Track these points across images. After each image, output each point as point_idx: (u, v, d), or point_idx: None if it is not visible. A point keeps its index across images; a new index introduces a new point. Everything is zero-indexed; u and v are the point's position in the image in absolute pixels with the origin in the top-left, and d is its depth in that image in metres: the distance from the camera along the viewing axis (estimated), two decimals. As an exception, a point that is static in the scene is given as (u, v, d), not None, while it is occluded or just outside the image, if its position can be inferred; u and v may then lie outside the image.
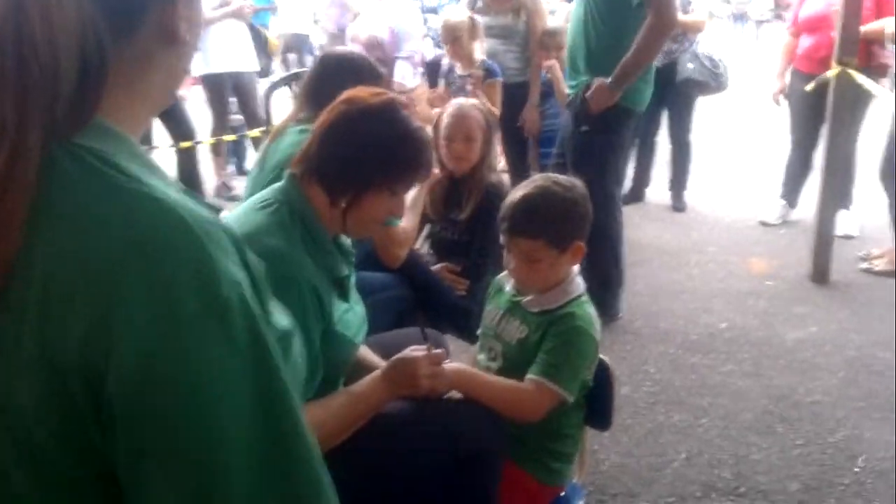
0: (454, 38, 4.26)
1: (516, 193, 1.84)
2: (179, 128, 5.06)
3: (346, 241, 1.73)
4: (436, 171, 2.66)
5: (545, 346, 1.77)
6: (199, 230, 0.67)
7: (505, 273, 1.95)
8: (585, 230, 1.85)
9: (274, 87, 4.84)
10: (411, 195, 2.62)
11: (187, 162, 5.18)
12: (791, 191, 5.18)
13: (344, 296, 1.65)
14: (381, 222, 1.65)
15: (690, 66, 5.01)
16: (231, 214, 1.63)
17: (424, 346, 1.68)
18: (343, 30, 6.01)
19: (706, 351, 3.43)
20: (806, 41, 4.84)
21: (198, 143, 5.06)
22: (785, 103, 5.12)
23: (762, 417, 2.91)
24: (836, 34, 4.24)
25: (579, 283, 1.88)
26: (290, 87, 4.85)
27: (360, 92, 1.63)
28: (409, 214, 2.57)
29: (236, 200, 5.50)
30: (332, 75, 2.42)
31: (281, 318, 0.86)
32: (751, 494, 2.49)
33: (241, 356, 0.66)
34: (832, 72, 4.00)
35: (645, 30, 3.19)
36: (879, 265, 4.29)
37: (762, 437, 2.79)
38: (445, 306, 2.70)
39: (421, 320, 2.63)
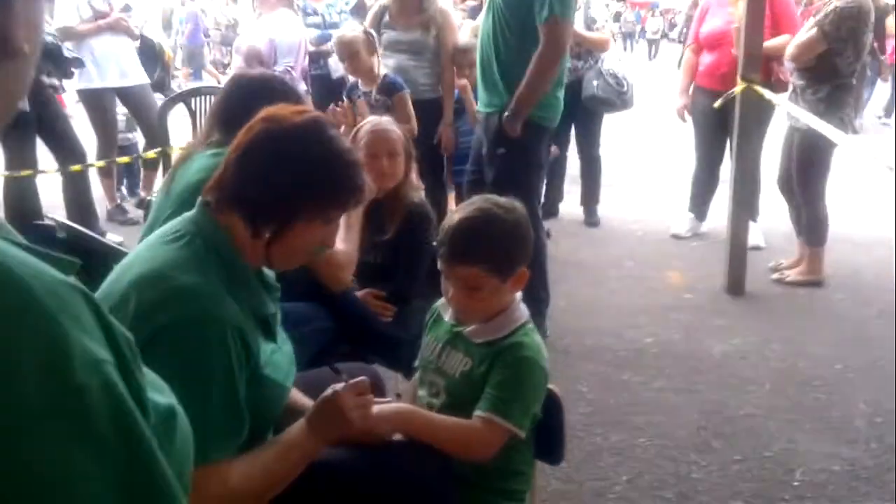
0: (351, 53, 4.10)
1: (454, 216, 1.70)
2: (65, 150, 4.67)
3: (270, 274, 1.54)
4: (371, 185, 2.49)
5: (493, 379, 1.63)
6: (45, 298, 0.54)
7: (442, 300, 1.81)
8: (529, 255, 1.73)
9: (169, 104, 4.54)
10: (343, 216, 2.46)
11: (77, 186, 4.78)
12: (699, 204, 5.26)
13: (270, 335, 1.47)
14: (311, 253, 1.47)
15: (595, 83, 5.03)
16: (136, 249, 1.42)
17: (342, 382, 1.50)
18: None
19: (636, 367, 3.38)
20: (707, 58, 4.94)
21: (87, 165, 4.68)
22: (690, 119, 5.21)
23: (698, 433, 2.86)
24: (736, 51, 4.37)
25: (524, 310, 1.75)
26: (186, 104, 4.56)
27: (281, 110, 1.45)
28: (349, 234, 2.41)
29: (134, 224, 5.16)
30: (245, 97, 2.22)
31: (159, 395, 0.71)
32: (695, 516, 2.42)
33: (106, 456, 0.55)
34: (738, 88, 4.07)
35: (536, 59, 3.16)
36: (790, 275, 4.37)
37: (701, 454, 2.73)
38: (373, 336, 2.52)
39: (338, 356, 2.45)
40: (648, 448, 2.76)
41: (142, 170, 5.66)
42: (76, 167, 4.63)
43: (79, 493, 0.54)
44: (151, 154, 4.91)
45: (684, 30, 14.36)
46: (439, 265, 1.70)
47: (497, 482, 1.70)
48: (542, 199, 5.50)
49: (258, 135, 1.39)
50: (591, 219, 5.58)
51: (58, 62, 4.41)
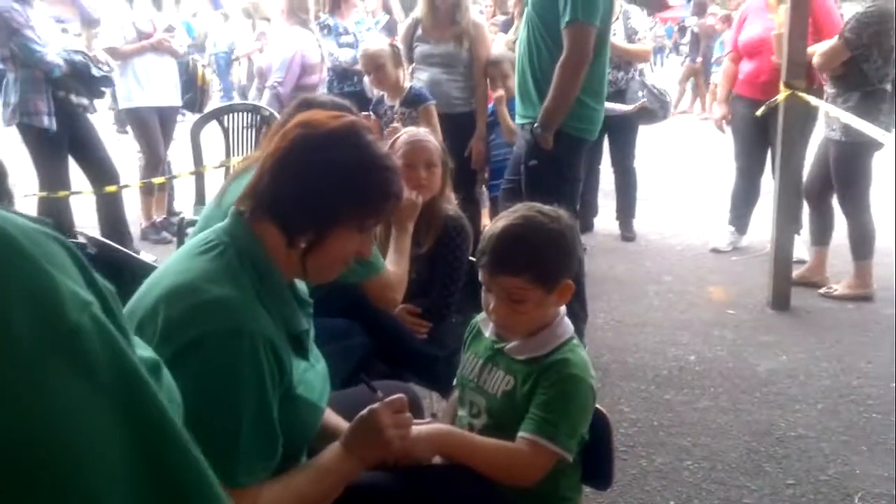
0: (376, 66, 4.07)
1: (497, 224, 1.61)
2: (96, 168, 4.66)
3: (303, 288, 1.47)
4: (412, 196, 2.43)
5: (537, 399, 1.54)
6: (29, 247, 0.55)
7: (483, 315, 1.72)
8: (574, 266, 1.64)
9: (201, 122, 4.52)
10: (394, 235, 2.41)
11: (109, 206, 4.77)
12: (740, 217, 5.13)
13: (303, 353, 1.39)
14: (347, 264, 1.39)
15: (640, 94, 4.93)
16: (168, 260, 1.36)
17: (378, 401, 1.41)
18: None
19: (679, 386, 3.25)
20: (746, 66, 4.82)
21: (123, 186, 4.68)
22: (712, 129, 5.10)
23: (748, 456, 2.72)
24: (777, 58, 4.28)
25: (568, 325, 1.66)
26: (219, 122, 4.54)
27: (317, 115, 1.38)
28: (400, 256, 2.37)
29: (168, 244, 5.15)
30: None
31: (142, 350, 0.71)
32: (748, 544, 2.29)
33: (105, 390, 0.56)
34: (781, 95, 3.95)
35: (560, 65, 3.07)
36: (838, 289, 4.21)
37: (751, 478, 2.60)
38: (408, 353, 2.44)
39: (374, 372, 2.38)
40: (696, 471, 2.64)
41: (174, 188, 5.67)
42: (111, 188, 4.63)
43: (83, 428, 0.54)
44: (161, 179, 4.96)
45: (689, 45, 14.07)
46: (480, 276, 1.62)
47: (543, 508, 1.61)
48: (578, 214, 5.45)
49: (293, 141, 1.32)
50: (627, 233, 5.47)
51: (87, 82, 4.42)
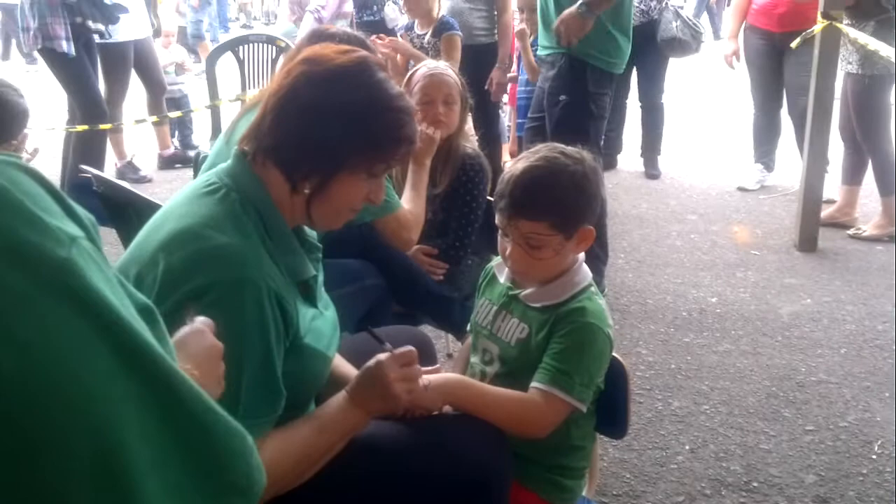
0: None
1: (517, 165, 1.54)
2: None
3: (311, 233, 1.42)
4: (429, 131, 2.35)
5: (552, 348, 1.49)
6: (5, 184, 0.54)
7: (498, 260, 1.67)
8: (596, 212, 1.57)
9: (217, 52, 4.42)
10: (410, 173, 2.33)
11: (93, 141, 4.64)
12: (764, 153, 5.00)
13: (311, 300, 1.35)
14: (356, 210, 1.34)
15: (674, 24, 4.76)
16: (172, 201, 1.31)
17: (385, 351, 1.37)
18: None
19: (699, 329, 3.20)
20: None
21: (141, 121, 4.60)
22: (738, 65, 4.94)
23: (767, 401, 2.69)
24: None
25: (586, 272, 1.61)
26: (234, 52, 4.44)
27: (325, 49, 1.30)
28: (416, 193, 2.30)
29: (148, 182, 5.05)
30: None
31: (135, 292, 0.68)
32: (764, 489, 2.27)
33: (106, 328, 0.55)
34: (818, 26, 3.77)
35: None
36: (867, 230, 4.11)
37: (769, 423, 2.57)
38: (422, 295, 2.41)
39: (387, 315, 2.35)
40: (713, 416, 2.61)
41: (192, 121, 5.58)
42: (105, 126, 4.51)
43: (83, 366, 0.54)
44: (178, 113, 4.79)
45: None
46: (497, 219, 1.56)
47: (554, 458, 1.58)
48: (602, 151, 5.33)
49: (298, 78, 1.25)
50: (651, 171, 5.35)
51: (101, 8, 4.33)
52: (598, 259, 3.38)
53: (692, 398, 2.71)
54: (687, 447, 2.46)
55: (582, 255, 1.62)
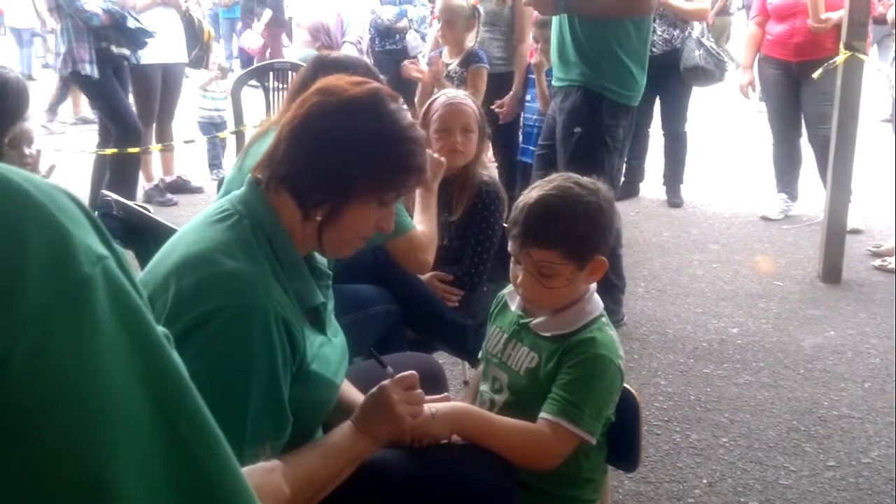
0: (449, 20, 3.98)
1: (531, 193, 1.54)
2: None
3: (322, 260, 1.43)
4: (441, 159, 2.36)
5: (561, 378, 1.48)
6: (42, 199, 0.54)
7: (510, 288, 1.66)
8: (608, 243, 1.56)
9: (243, 79, 4.50)
10: (419, 196, 2.33)
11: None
12: (787, 183, 4.96)
13: (320, 327, 1.36)
14: (367, 238, 1.35)
15: (697, 52, 4.75)
16: (183, 229, 1.33)
17: (389, 375, 1.37)
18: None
19: (719, 360, 3.16)
20: (777, 28, 4.70)
21: (146, 149, 4.66)
22: (754, 95, 4.94)
23: (787, 435, 2.64)
24: (812, 21, 4.32)
25: (597, 302, 1.60)
26: (259, 80, 4.51)
27: (339, 81, 1.32)
28: (427, 216, 2.29)
29: (172, 206, 5.12)
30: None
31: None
32: (783, 526, 2.23)
33: (114, 346, 0.54)
34: (840, 57, 3.76)
35: None
36: (893, 262, 4.04)
37: (790, 458, 2.52)
38: (437, 321, 2.40)
39: (402, 339, 2.35)
40: (732, 449, 2.57)
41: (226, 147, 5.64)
42: (130, 149, 4.59)
43: (95, 382, 0.53)
44: (157, 147, 4.84)
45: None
46: (510, 247, 1.56)
47: (564, 490, 1.56)
48: (622, 179, 5.32)
49: (311, 108, 1.27)
50: (674, 199, 5.32)
51: (126, 33, 4.44)
52: (615, 287, 3.36)
53: (711, 431, 2.67)
54: (705, 481, 2.42)
55: (594, 286, 1.61)
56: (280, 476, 0.95)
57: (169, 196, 5.24)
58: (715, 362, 3.14)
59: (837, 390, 2.93)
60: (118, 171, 4.63)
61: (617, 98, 3.10)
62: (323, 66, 2.25)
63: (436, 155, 2.34)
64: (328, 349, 1.35)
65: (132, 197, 4.67)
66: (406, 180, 1.30)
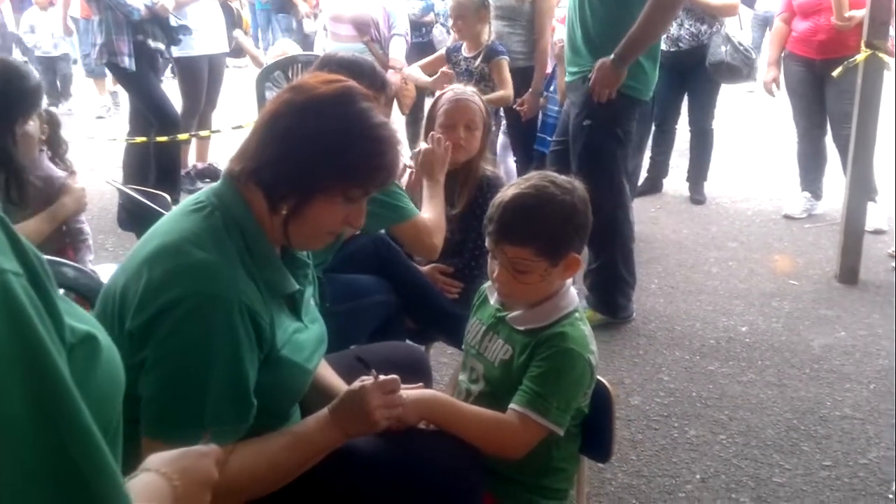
0: (459, 14, 4.02)
1: (507, 192, 1.59)
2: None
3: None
4: (447, 143, 2.41)
5: (531, 371, 1.53)
6: None
7: (490, 282, 1.71)
8: (583, 241, 1.60)
9: (266, 72, 4.58)
10: (426, 186, 2.40)
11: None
12: (811, 182, 4.90)
13: (296, 313, 1.42)
14: (335, 233, 1.40)
15: (723, 48, 4.70)
16: (161, 220, 1.39)
17: (371, 376, 1.42)
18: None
19: (725, 358, 3.16)
20: (801, 25, 4.65)
21: (173, 138, 4.78)
22: (777, 93, 4.87)
23: (786, 434, 2.65)
24: (836, 18, 4.27)
25: (573, 297, 1.63)
26: (283, 72, 4.59)
27: (312, 79, 1.37)
28: (433, 203, 2.35)
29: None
30: None
31: (77, 322, 0.72)
32: (772, 524, 2.24)
33: (4, 357, 0.58)
34: (861, 55, 3.71)
35: (652, 1, 2.93)
36: (912, 263, 3.99)
37: (786, 456, 2.53)
38: (435, 312, 2.45)
39: (401, 328, 2.41)
40: (728, 446, 2.58)
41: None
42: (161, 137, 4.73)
43: None
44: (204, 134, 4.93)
45: None
46: (486, 243, 1.61)
47: (535, 478, 1.61)
48: (645, 174, 5.30)
49: (280, 105, 1.33)
50: (696, 196, 5.29)
51: (165, 29, 4.55)
52: (625, 283, 3.38)
53: (709, 427, 2.69)
54: (698, 476, 2.44)
55: (569, 281, 1.65)
56: (212, 462, 0.99)
57: (199, 184, 5.37)
58: (720, 360, 3.15)
59: (842, 391, 2.91)
60: (161, 160, 4.80)
61: (629, 92, 3.10)
62: (329, 64, 2.32)
63: (440, 147, 2.40)
64: (302, 335, 1.41)
65: (176, 183, 4.84)
66: (372, 178, 1.34)
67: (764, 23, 8.80)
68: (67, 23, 8.34)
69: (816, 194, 4.90)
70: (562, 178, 1.62)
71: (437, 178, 2.42)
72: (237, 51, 5.40)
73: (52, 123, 2.58)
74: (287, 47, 5.32)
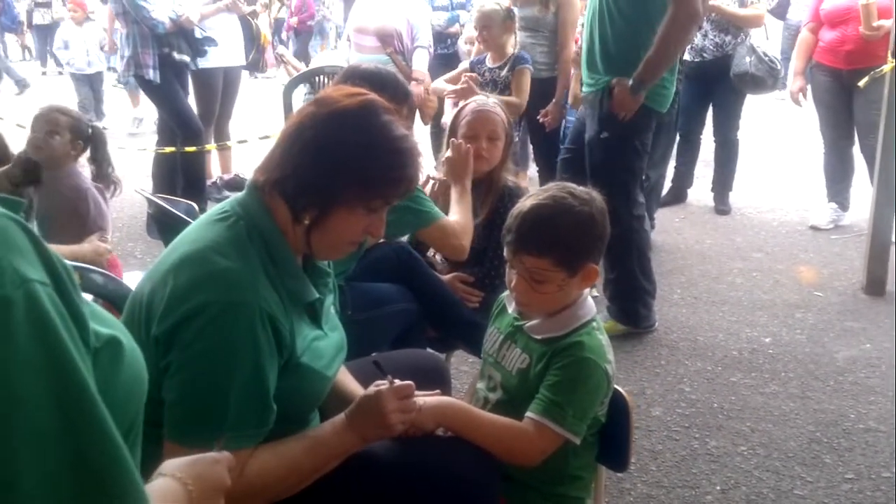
0: (485, 25, 4.06)
1: (525, 203, 1.61)
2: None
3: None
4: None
5: (548, 379, 1.54)
6: None
7: (508, 292, 1.73)
8: (601, 251, 1.62)
9: (293, 83, 4.64)
10: (454, 191, 2.45)
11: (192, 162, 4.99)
12: (838, 192, 4.86)
13: (316, 321, 1.45)
14: (356, 243, 1.43)
15: (748, 59, 4.69)
16: (187, 229, 1.43)
17: (386, 380, 1.44)
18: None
19: (748, 369, 3.15)
20: (829, 35, 4.63)
21: (201, 148, 4.87)
22: (805, 102, 4.85)
23: (808, 446, 2.63)
24: (864, 28, 4.24)
25: (590, 307, 1.65)
26: (310, 83, 4.66)
27: (335, 92, 1.41)
28: (461, 206, 2.41)
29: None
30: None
31: (102, 326, 0.75)
32: (793, 536, 2.23)
33: (29, 364, 0.61)
34: (888, 65, 3.69)
35: (667, 22, 2.94)
36: (941, 275, 3.94)
37: (808, 469, 2.51)
38: (456, 320, 2.48)
39: (422, 336, 2.43)
40: (749, 457, 2.57)
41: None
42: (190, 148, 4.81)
43: (5, 387, 0.59)
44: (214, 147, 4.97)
45: None
46: (505, 253, 1.63)
47: (552, 486, 1.62)
48: (670, 184, 5.29)
49: (304, 118, 1.37)
50: (721, 206, 5.27)
51: (191, 41, 4.64)
52: (645, 292, 3.38)
53: (731, 438, 2.68)
54: (718, 487, 2.43)
55: (587, 290, 1.66)
56: (224, 468, 1.02)
57: (226, 193, 5.45)
58: (743, 371, 3.13)
59: (866, 403, 2.89)
60: (187, 170, 4.91)
61: (646, 102, 3.11)
62: (353, 76, 2.36)
63: (465, 153, 2.45)
64: (322, 343, 1.44)
65: (202, 192, 4.93)
66: (393, 190, 1.37)
67: (796, 33, 8.75)
68: (113, 38, 8.46)
69: (843, 205, 4.86)
70: (580, 189, 1.64)
71: (463, 183, 2.47)
72: (255, 64, 5.46)
73: (96, 139, 2.63)
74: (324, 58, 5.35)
